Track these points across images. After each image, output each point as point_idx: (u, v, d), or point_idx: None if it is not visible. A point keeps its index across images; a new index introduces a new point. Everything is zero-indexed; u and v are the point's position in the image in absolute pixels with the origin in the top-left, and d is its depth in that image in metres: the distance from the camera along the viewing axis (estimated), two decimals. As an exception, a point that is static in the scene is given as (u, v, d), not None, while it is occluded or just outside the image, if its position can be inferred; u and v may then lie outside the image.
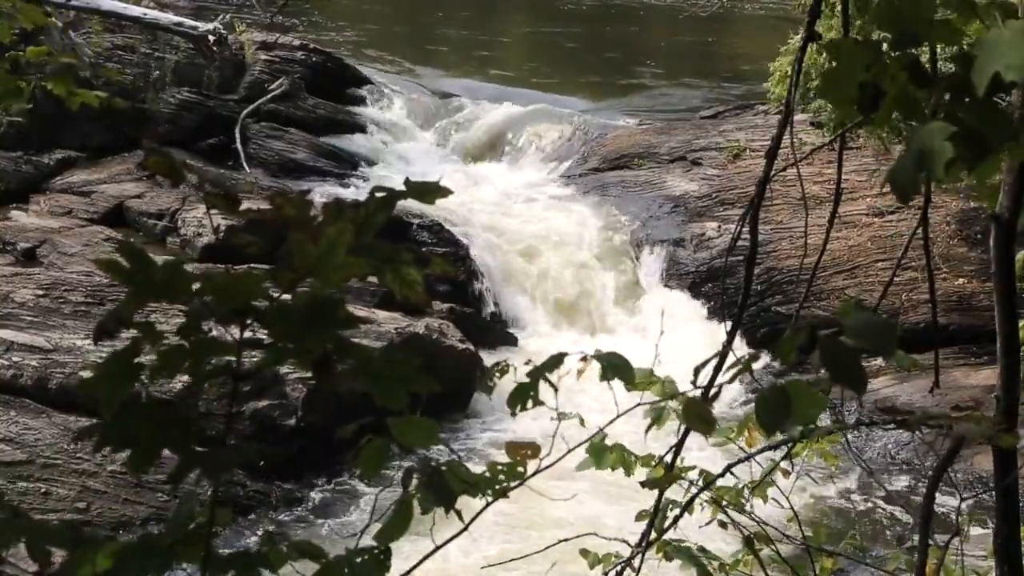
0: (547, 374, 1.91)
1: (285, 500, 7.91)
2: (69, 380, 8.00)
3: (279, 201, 1.24)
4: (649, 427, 2.55)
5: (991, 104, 1.33)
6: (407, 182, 1.34)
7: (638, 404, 2.47)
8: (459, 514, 1.67)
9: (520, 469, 1.84)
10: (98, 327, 1.28)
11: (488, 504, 1.76)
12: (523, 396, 1.92)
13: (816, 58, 8.67)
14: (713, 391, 2.11)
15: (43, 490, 7.29)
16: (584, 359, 2.02)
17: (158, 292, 1.24)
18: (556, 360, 1.89)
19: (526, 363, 1.95)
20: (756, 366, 1.73)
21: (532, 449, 1.88)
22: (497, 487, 1.78)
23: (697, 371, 1.96)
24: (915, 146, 1.35)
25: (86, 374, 7.89)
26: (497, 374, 2.09)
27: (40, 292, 8.96)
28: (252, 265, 7.16)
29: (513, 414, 1.96)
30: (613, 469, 2.68)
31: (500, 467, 1.83)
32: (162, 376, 1.27)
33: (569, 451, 2.14)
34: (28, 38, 4.87)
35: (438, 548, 1.89)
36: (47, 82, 3.05)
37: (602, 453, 2.61)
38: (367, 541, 1.57)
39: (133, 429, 1.25)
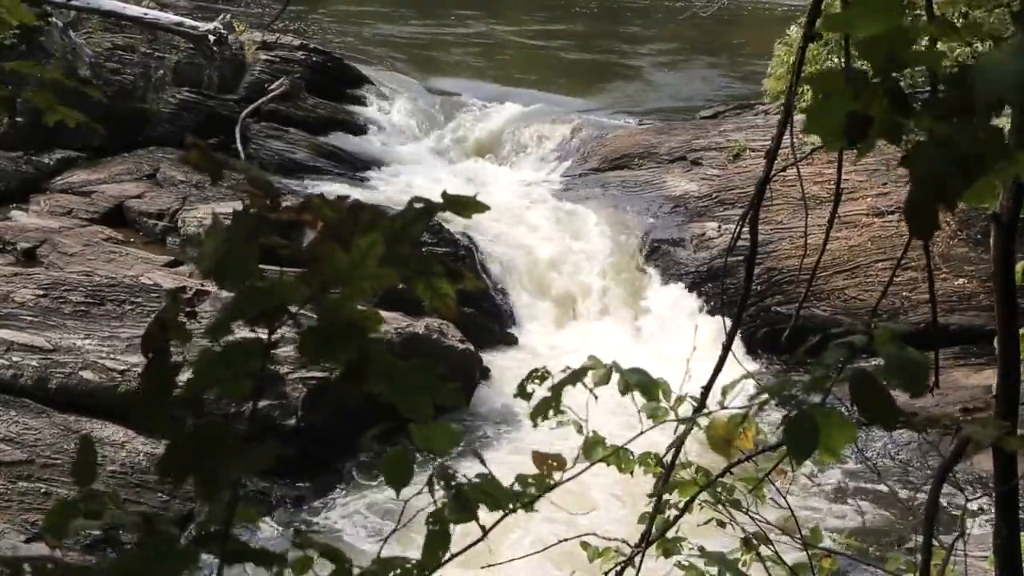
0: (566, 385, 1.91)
1: (285, 500, 7.91)
2: (69, 380, 8.00)
3: (317, 202, 1.24)
4: (679, 447, 2.55)
5: (985, 125, 1.33)
6: (444, 194, 1.33)
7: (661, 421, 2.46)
8: (483, 528, 1.66)
9: (547, 481, 1.83)
10: (144, 342, 1.29)
11: (505, 514, 1.75)
12: (545, 408, 1.93)
13: (818, 50, 8.66)
14: (705, 387, 2.11)
15: (43, 490, 7.29)
16: (610, 372, 2.02)
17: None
18: (580, 372, 1.89)
19: (564, 369, 1.94)
20: (753, 368, 1.73)
21: (558, 460, 1.88)
22: (523, 499, 1.77)
23: (704, 394, 1.96)
24: (923, 176, 1.34)
25: (87, 374, 7.92)
26: (537, 380, 2.09)
27: (40, 292, 8.96)
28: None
29: (535, 425, 1.97)
30: (608, 465, 2.68)
31: (529, 479, 1.83)
32: (201, 387, 1.27)
33: (591, 463, 2.15)
34: (28, 38, 4.86)
35: (454, 556, 1.88)
36: (31, 94, 3.03)
37: (596, 448, 2.60)
38: (384, 547, 1.56)
39: (189, 456, 1.25)
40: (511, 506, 1.70)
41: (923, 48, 1.42)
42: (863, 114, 1.38)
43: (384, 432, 1.68)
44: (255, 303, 1.21)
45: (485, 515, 1.72)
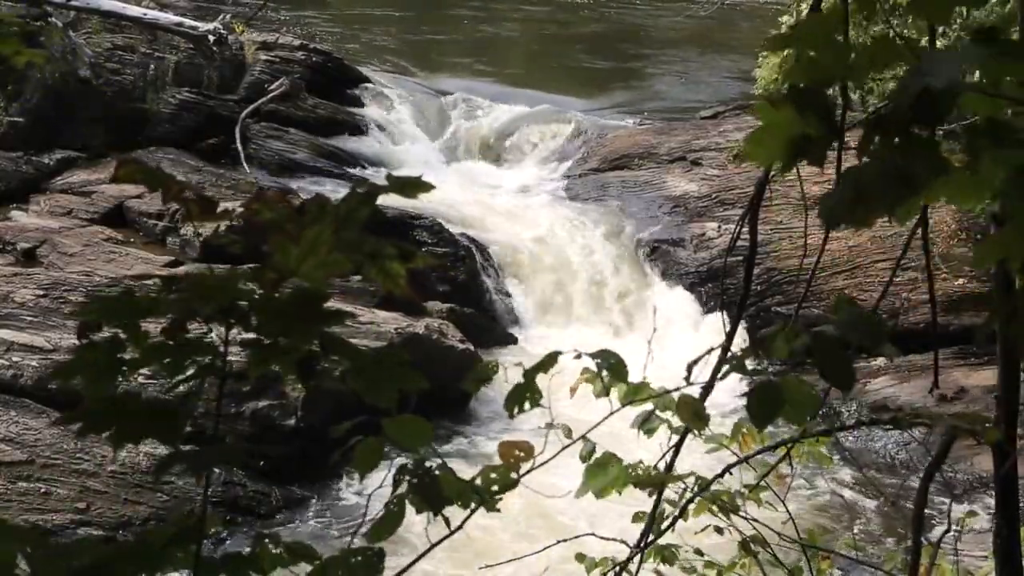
0: (542, 373, 1.90)
1: (285, 501, 7.90)
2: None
3: (255, 205, 1.24)
4: (677, 451, 2.52)
5: (922, 141, 1.31)
6: (388, 177, 1.35)
7: (630, 403, 2.44)
8: (447, 520, 1.67)
9: (512, 475, 1.82)
10: (80, 325, 1.29)
11: (474, 509, 1.75)
12: (520, 398, 1.92)
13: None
14: (705, 386, 2.11)
15: (43, 490, 7.28)
16: (578, 356, 2.01)
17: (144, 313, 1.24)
18: (550, 359, 1.89)
19: (517, 364, 1.94)
20: (751, 365, 1.73)
21: (525, 449, 1.87)
22: (490, 492, 1.77)
23: (690, 368, 1.95)
24: (852, 182, 1.34)
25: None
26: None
27: (40, 292, 8.96)
28: (248, 265, 7.13)
29: (511, 416, 1.96)
30: (620, 492, 2.60)
31: (492, 474, 1.82)
32: (141, 368, 1.27)
33: (562, 448, 2.13)
34: (30, 39, 4.83)
35: (432, 547, 1.88)
36: None
37: (602, 470, 2.54)
38: (358, 541, 1.57)
39: (118, 417, 1.25)
40: (475, 504, 1.71)
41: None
42: (805, 135, 1.38)
43: (364, 426, 1.71)
44: (206, 300, 1.21)
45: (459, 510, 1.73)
